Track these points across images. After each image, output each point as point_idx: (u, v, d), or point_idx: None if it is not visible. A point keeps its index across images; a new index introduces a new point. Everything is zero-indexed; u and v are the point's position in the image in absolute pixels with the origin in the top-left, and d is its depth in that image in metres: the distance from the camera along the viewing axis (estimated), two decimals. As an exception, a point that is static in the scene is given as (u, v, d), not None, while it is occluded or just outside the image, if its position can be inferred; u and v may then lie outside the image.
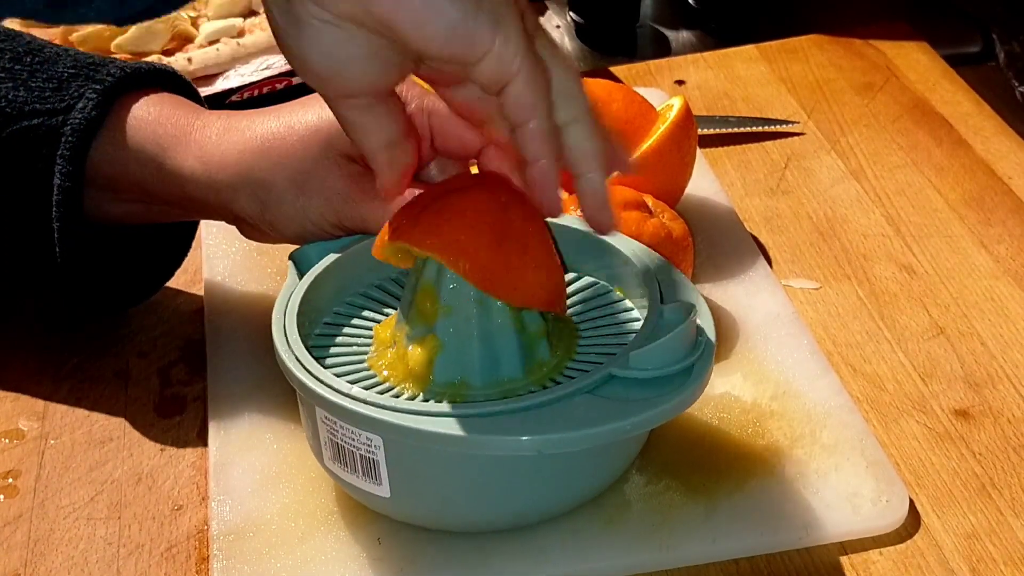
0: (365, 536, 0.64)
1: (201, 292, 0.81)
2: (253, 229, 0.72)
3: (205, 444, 0.70)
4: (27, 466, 0.70)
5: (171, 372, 0.76)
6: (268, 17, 0.55)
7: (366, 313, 0.69)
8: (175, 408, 0.74)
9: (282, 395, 0.70)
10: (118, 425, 0.73)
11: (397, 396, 0.62)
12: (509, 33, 0.53)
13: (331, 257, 0.68)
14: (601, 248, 0.69)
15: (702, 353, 0.60)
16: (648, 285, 0.65)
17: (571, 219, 0.71)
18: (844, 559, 0.63)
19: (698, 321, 0.61)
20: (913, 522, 0.65)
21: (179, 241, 0.79)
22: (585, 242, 0.69)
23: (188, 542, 0.66)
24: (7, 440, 0.72)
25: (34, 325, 0.81)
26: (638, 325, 0.66)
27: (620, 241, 0.69)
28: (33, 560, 0.65)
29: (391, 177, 0.61)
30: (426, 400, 0.62)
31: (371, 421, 0.58)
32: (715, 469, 0.66)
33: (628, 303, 0.68)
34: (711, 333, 0.62)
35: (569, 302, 0.69)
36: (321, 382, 0.60)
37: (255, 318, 0.78)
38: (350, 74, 0.55)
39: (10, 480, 0.70)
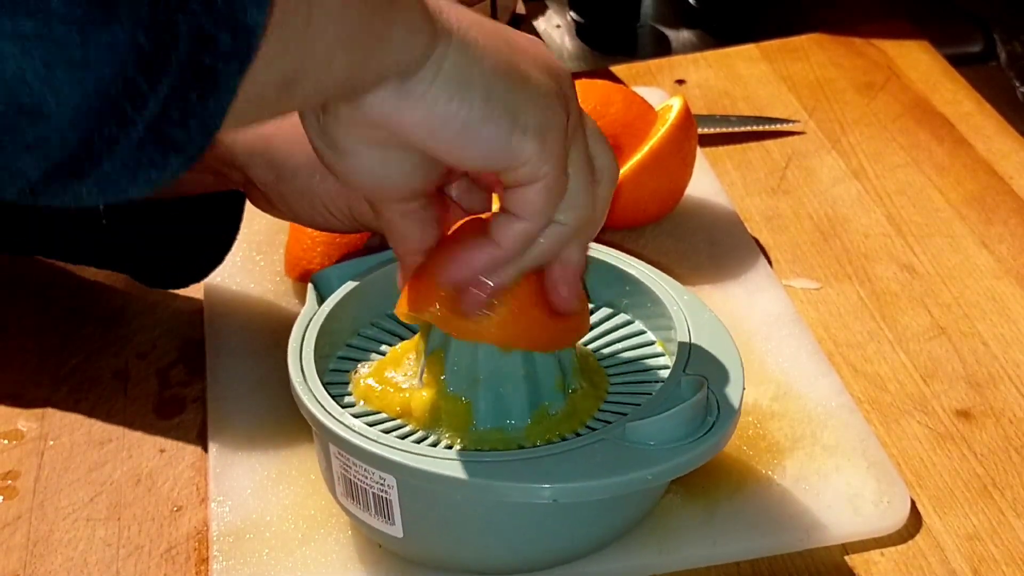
0: (365, 539, 0.63)
1: (200, 293, 0.81)
2: (263, 199, 0.71)
3: (204, 445, 0.70)
4: (26, 467, 0.70)
5: (170, 373, 0.76)
6: (308, 136, 0.53)
7: (387, 343, 0.67)
8: (174, 409, 0.74)
9: (282, 396, 0.70)
10: (117, 426, 0.73)
11: (404, 436, 0.60)
12: (549, 143, 0.51)
13: (351, 284, 0.67)
14: (639, 289, 0.67)
15: (710, 429, 0.58)
16: (678, 344, 0.63)
17: (604, 250, 0.69)
18: (846, 560, 0.63)
19: (714, 392, 0.59)
20: (915, 523, 0.65)
21: (228, 214, 0.77)
22: (619, 279, 0.68)
23: (188, 543, 0.65)
24: (6, 441, 0.72)
25: (34, 326, 0.81)
26: (664, 373, 0.64)
27: (652, 278, 0.67)
28: (32, 561, 0.65)
29: (409, 273, 0.59)
30: (434, 443, 0.60)
31: (384, 461, 0.57)
32: (715, 471, 0.66)
33: (658, 347, 0.66)
34: (737, 394, 0.59)
35: (600, 343, 0.67)
36: (334, 417, 0.59)
37: (254, 319, 0.78)
38: (392, 185, 0.54)
39: (9, 481, 0.69)
